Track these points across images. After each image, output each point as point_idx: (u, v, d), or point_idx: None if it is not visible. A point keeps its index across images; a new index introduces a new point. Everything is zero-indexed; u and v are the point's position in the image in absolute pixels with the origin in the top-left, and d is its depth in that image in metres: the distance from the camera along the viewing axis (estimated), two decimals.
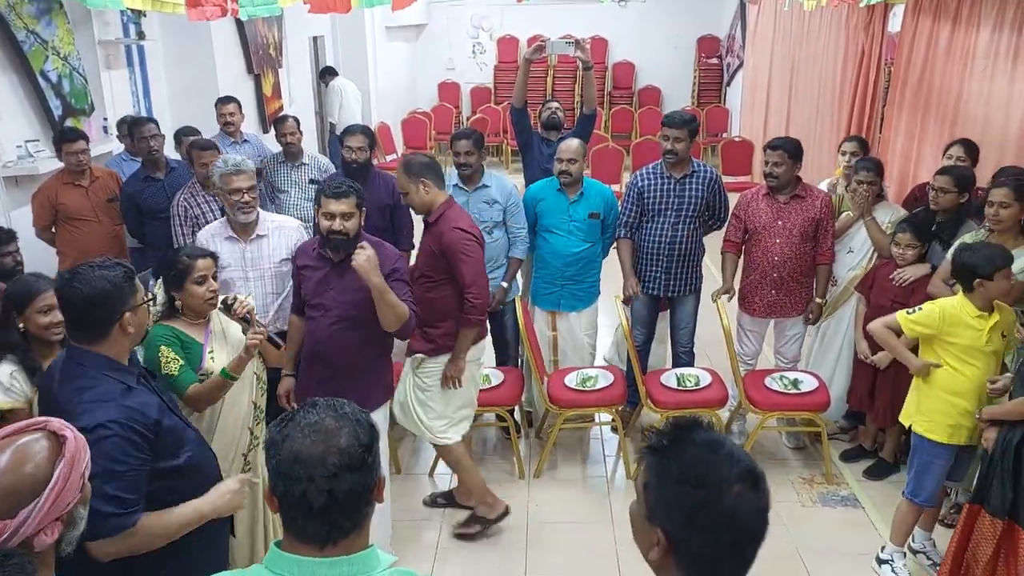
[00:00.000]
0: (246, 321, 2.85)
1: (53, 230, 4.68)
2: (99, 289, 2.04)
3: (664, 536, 1.28)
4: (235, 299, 2.88)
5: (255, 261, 3.61)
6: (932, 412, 3.28)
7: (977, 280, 3.09)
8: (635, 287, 4.35)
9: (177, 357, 2.72)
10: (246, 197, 3.51)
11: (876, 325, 3.47)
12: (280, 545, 1.37)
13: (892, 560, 3.49)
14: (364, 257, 2.96)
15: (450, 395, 3.65)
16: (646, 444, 1.36)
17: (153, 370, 2.68)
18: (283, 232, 3.68)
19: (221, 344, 2.89)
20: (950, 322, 3.17)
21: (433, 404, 3.66)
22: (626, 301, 4.48)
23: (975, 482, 3.15)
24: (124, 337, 2.10)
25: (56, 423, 1.56)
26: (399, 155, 11.20)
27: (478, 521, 3.79)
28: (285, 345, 3.11)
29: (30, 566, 1.32)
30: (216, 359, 2.83)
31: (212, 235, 3.62)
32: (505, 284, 4.38)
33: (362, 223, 3.15)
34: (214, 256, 2.91)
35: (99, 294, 2.04)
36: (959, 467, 3.42)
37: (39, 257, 4.59)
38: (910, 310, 3.30)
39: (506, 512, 3.80)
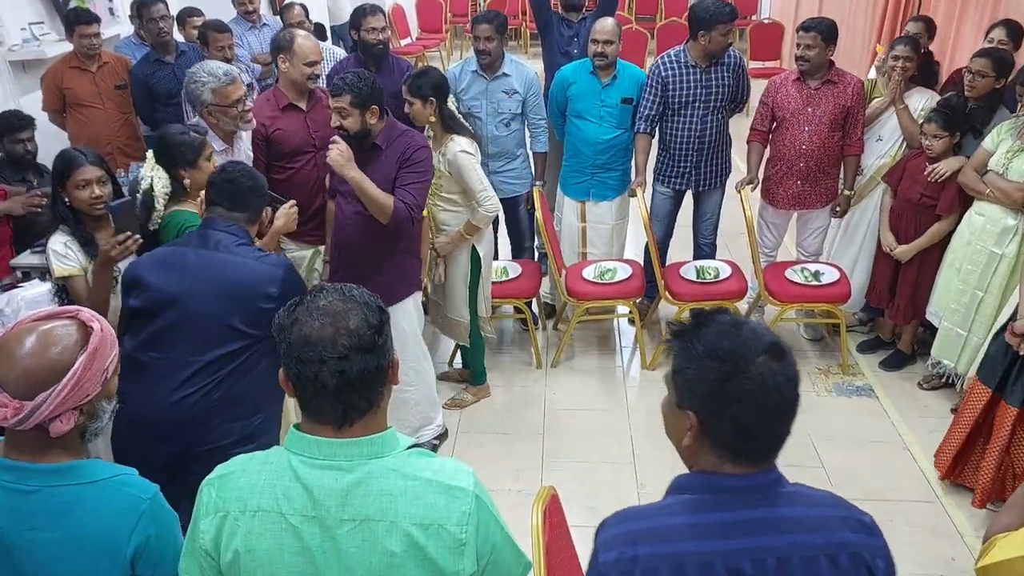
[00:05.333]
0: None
1: (64, 114, 4.58)
2: (263, 183, 2.58)
3: (695, 417, 1.29)
4: None
5: None
6: None
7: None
8: (640, 184, 4.26)
9: None
10: (248, 103, 3.31)
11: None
12: (299, 427, 1.39)
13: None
14: (336, 152, 2.95)
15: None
16: (670, 333, 1.36)
17: None
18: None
19: None
20: None
21: None
22: (631, 194, 4.40)
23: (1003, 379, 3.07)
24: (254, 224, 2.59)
25: (87, 313, 1.55)
26: (414, 39, 10.85)
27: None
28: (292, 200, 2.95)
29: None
30: None
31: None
32: (539, 183, 4.34)
33: (367, 121, 3.01)
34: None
35: (263, 186, 2.58)
36: None
37: (52, 148, 4.53)
38: None
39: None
